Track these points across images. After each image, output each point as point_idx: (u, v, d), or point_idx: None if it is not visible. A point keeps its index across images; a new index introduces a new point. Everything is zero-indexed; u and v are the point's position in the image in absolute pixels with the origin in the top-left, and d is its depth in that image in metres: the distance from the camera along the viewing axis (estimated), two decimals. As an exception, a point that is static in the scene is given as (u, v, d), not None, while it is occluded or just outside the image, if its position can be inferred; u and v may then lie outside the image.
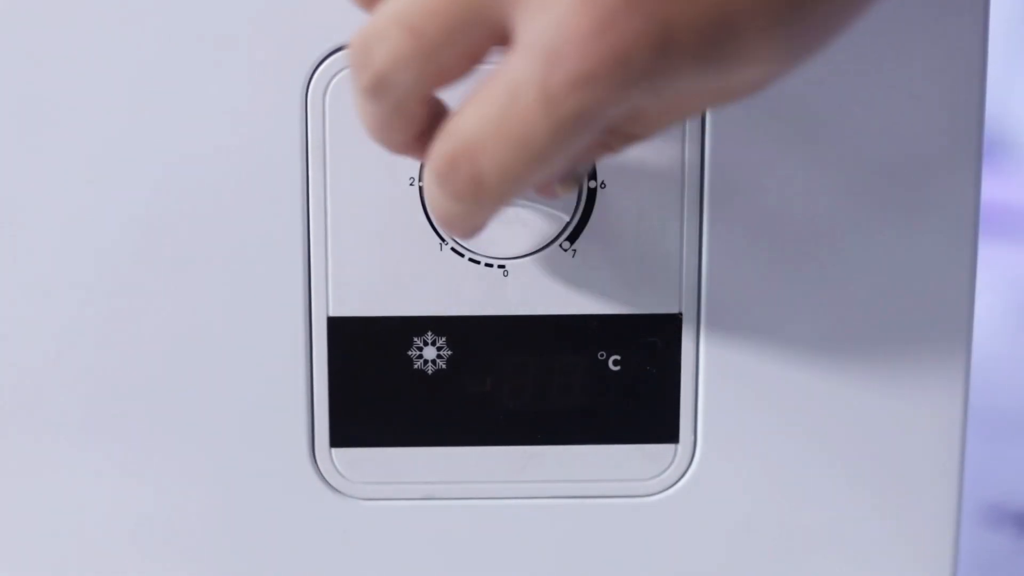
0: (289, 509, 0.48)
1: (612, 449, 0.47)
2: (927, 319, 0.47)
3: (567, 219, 0.45)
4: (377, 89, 0.36)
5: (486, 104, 0.34)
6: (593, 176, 0.45)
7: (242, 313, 0.46)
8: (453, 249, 0.46)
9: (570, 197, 0.44)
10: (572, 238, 0.46)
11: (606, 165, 0.45)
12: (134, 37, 0.44)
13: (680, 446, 0.48)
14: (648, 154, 0.45)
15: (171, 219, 0.45)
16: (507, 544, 0.48)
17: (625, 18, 0.32)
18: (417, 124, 0.38)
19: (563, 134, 0.34)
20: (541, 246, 0.46)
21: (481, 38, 0.35)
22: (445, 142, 0.35)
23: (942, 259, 0.46)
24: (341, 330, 0.46)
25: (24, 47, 0.44)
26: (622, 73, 0.33)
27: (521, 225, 0.45)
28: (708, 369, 0.47)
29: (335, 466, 0.47)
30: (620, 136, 0.39)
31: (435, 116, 0.38)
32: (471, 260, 0.46)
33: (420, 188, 0.45)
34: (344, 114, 0.45)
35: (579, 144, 0.34)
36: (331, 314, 0.46)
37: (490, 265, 0.46)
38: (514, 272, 0.46)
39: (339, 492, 0.48)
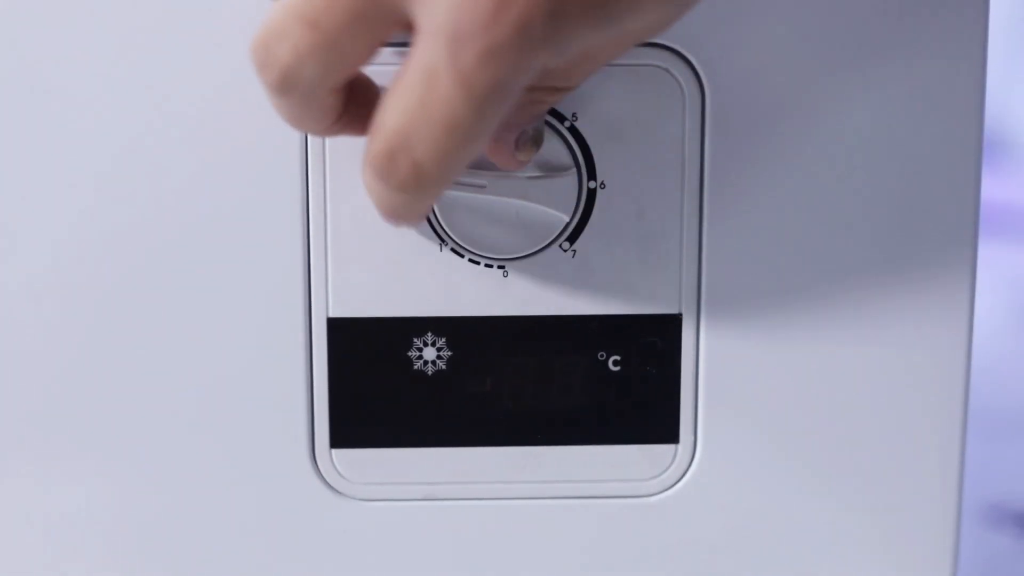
0: (289, 510, 0.48)
1: (612, 449, 0.47)
2: (927, 319, 0.47)
3: (567, 219, 0.45)
4: (284, 85, 0.37)
5: (406, 95, 0.35)
6: (593, 176, 0.45)
7: (242, 314, 0.46)
8: (453, 250, 0.46)
9: (528, 159, 0.44)
10: (572, 238, 0.46)
11: (606, 165, 0.45)
12: (134, 38, 0.44)
13: (680, 446, 0.48)
14: (648, 154, 0.45)
15: (171, 220, 0.45)
16: (507, 544, 0.48)
17: None
18: (332, 111, 0.39)
19: (484, 107, 0.35)
20: (541, 246, 0.46)
21: (381, 26, 0.36)
22: (377, 140, 0.36)
23: (942, 259, 0.46)
24: (341, 331, 0.46)
25: (24, 47, 0.44)
26: (524, 41, 0.34)
27: (521, 226, 0.45)
28: (708, 369, 0.47)
29: (335, 467, 0.47)
30: (548, 91, 0.41)
31: (355, 93, 0.40)
32: (471, 261, 0.46)
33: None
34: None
35: (502, 112, 0.36)
36: (331, 315, 0.46)
37: (490, 266, 0.46)
38: (514, 273, 0.46)
39: (339, 493, 0.48)
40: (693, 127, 0.45)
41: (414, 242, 0.46)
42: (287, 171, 0.45)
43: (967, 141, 0.46)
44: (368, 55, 0.37)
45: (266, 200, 0.45)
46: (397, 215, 0.39)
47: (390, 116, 0.36)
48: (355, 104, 0.40)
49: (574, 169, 0.45)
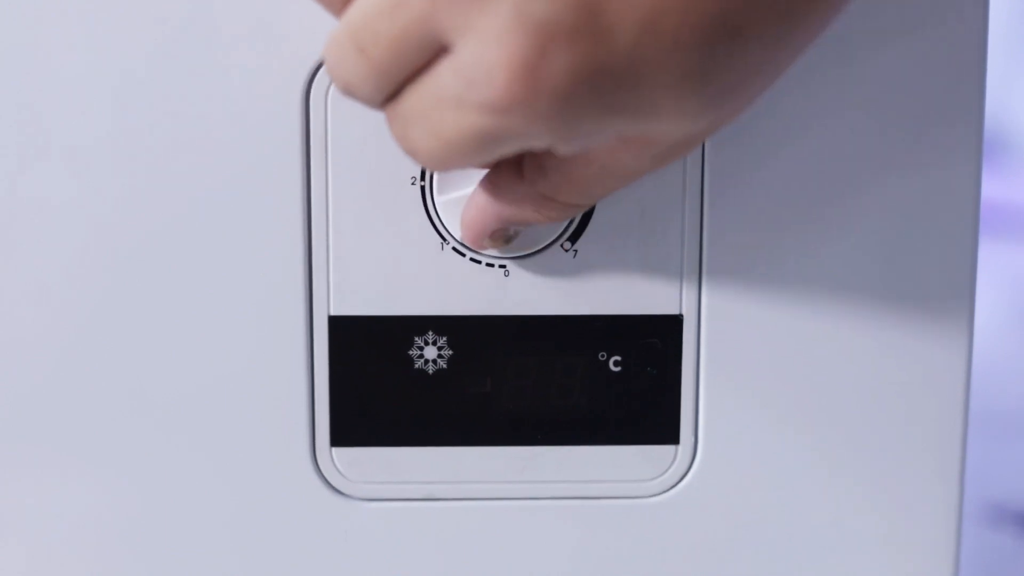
0: (290, 509, 0.48)
1: (613, 450, 0.47)
2: (927, 319, 0.47)
3: (566, 221, 0.45)
4: (348, 95, 0.38)
5: (421, 100, 0.36)
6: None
7: (243, 313, 0.46)
8: (454, 249, 0.46)
9: (490, 248, 0.45)
10: (573, 238, 0.46)
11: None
12: (135, 38, 0.44)
13: (681, 447, 0.48)
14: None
15: (173, 219, 0.45)
16: (508, 544, 0.48)
17: (535, 62, 0.33)
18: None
19: (469, 145, 0.36)
20: (542, 246, 0.46)
21: (426, 54, 0.36)
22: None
23: (942, 259, 0.46)
24: (342, 329, 0.46)
25: (24, 48, 0.44)
26: (527, 110, 0.34)
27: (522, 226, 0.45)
28: (708, 370, 0.47)
29: (336, 466, 0.47)
30: (556, 205, 0.41)
31: None
32: (472, 260, 0.46)
33: (422, 188, 0.45)
34: (345, 114, 0.45)
35: (471, 162, 0.37)
36: (332, 313, 0.46)
37: (491, 265, 0.46)
38: (515, 272, 0.46)
39: (340, 492, 0.48)
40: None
41: (415, 241, 0.46)
42: (288, 170, 0.45)
43: (967, 141, 0.46)
44: (414, 73, 0.37)
45: (267, 199, 0.45)
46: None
47: (399, 105, 0.37)
48: None
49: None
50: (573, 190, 0.40)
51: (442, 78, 0.35)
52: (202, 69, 0.44)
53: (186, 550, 0.48)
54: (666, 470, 0.48)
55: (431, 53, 0.36)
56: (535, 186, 0.40)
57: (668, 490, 0.48)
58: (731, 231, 0.46)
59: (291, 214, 0.46)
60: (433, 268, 0.46)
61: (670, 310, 0.47)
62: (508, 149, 0.36)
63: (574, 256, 0.46)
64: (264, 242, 0.46)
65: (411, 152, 0.38)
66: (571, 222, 0.45)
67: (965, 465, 0.48)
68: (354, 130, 0.45)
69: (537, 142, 0.36)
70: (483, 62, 0.34)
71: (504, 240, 0.44)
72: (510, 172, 0.41)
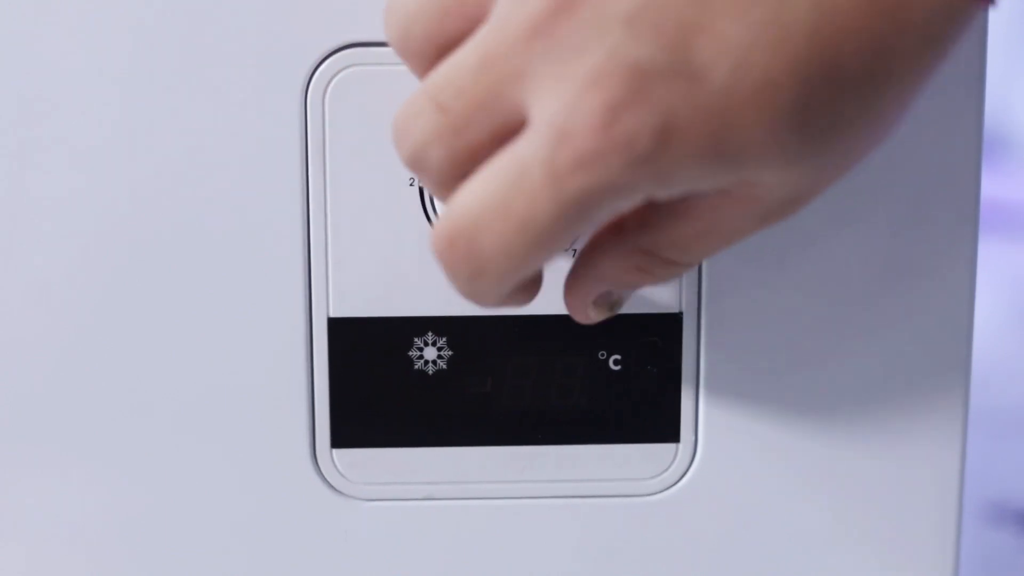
0: (290, 510, 0.48)
1: (613, 449, 0.47)
2: (927, 319, 0.47)
3: None
4: (414, 163, 0.37)
5: (490, 182, 0.35)
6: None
7: (243, 314, 0.46)
8: (453, 249, 0.46)
9: (597, 320, 0.43)
10: (572, 238, 0.46)
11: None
12: (134, 37, 0.44)
13: (681, 446, 0.48)
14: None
15: (171, 220, 0.45)
16: (508, 544, 0.48)
17: (631, 105, 0.33)
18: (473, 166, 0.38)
19: (567, 214, 0.34)
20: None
21: (503, 117, 0.35)
22: (445, 220, 0.36)
23: (942, 259, 0.46)
24: (342, 331, 0.46)
25: (23, 47, 0.44)
26: (628, 155, 0.33)
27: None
28: (709, 368, 0.47)
29: (336, 467, 0.47)
30: (661, 262, 0.39)
31: None
32: (471, 260, 0.46)
33: (420, 188, 0.45)
34: (344, 114, 0.45)
35: (583, 227, 0.35)
36: (331, 315, 0.46)
37: (490, 265, 0.46)
38: (514, 272, 0.46)
39: (340, 493, 0.48)
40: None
41: (414, 242, 0.46)
42: (287, 171, 0.45)
43: (967, 141, 0.46)
44: (490, 150, 0.36)
45: (266, 200, 0.45)
46: (463, 292, 0.38)
47: (465, 198, 0.35)
48: None
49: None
50: (676, 247, 0.39)
51: (526, 146, 0.34)
52: (200, 69, 0.44)
53: (187, 551, 0.48)
54: (666, 468, 0.48)
55: (506, 116, 0.35)
56: (637, 242, 0.39)
57: (668, 488, 0.48)
58: (730, 230, 0.46)
59: (290, 215, 0.46)
60: (432, 269, 0.46)
61: (670, 308, 0.47)
62: (603, 213, 0.35)
63: (573, 255, 0.46)
64: (263, 244, 0.46)
65: (473, 259, 0.36)
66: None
67: (965, 464, 0.48)
68: (353, 130, 0.45)
69: (634, 195, 0.35)
70: (577, 108, 0.33)
71: (608, 307, 0.42)
72: (610, 231, 0.40)
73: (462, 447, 0.47)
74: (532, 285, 0.40)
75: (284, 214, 0.46)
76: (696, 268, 0.46)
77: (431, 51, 0.37)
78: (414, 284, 0.46)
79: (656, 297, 0.46)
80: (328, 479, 0.47)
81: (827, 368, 0.47)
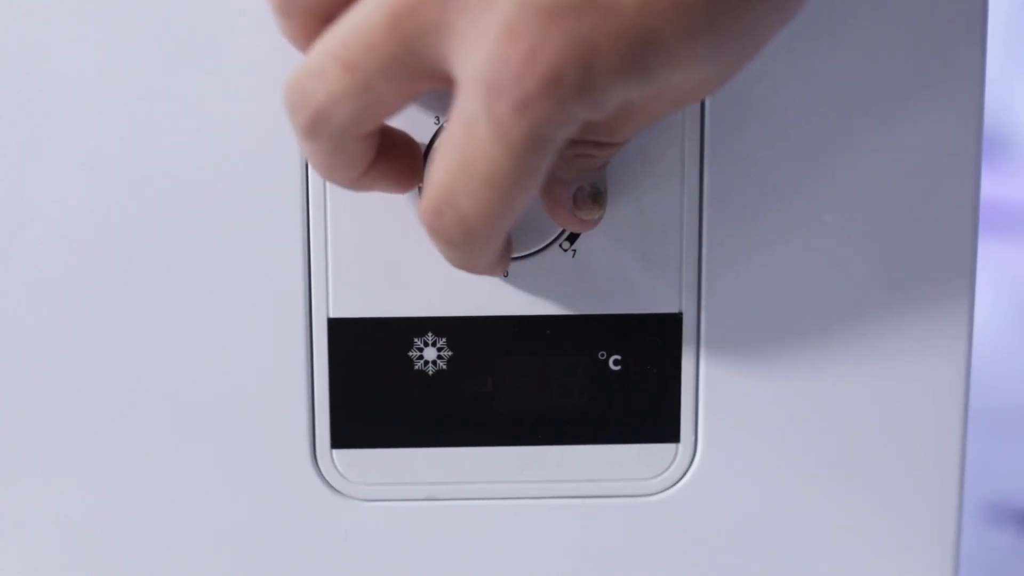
0: (290, 511, 0.48)
1: (613, 449, 0.47)
2: (927, 318, 0.47)
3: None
4: (315, 127, 0.38)
5: (449, 149, 0.36)
6: (593, 176, 0.45)
7: (242, 315, 0.46)
8: (453, 250, 0.46)
9: (595, 220, 0.44)
10: (572, 238, 0.46)
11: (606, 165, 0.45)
12: (134, 39, 0.44)
13: (681, 446, 0.48)
14: (648, 154, 0.45)
15: (171, 220, 0.45)
16: (508, 545, 0.48)
17: (548, 42, 0.34)
18: (362, 160, 0.39)
19: (523, 159, 0.35)
20: (541, 246, 0.46)
21: (416, 74, 0.36)
22: (426, 198, 0.37)
23: (942, 258, 0.46)
24: (341, 331, 0.46)
25: (25, 48, 0.44)
26: (557, 92, 0.34)
27: (521, 226, 0.45)
28: (709, 369, 0.47)
29: (336, 467, 0.47)
30: (592, 145, 0.41)
31: (388, 147, 0.40)
32: (471, 261, 0.46)
33: (419, 188, 0.45)
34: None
35: (543, 164, 0.36)
36: (331, 315, 0.46)
37: (490, 265, 0.46)
38: (514, 272, 0.46)
39: (340, 493, 0.48)
40: (692, 127, 0.45)
41: (414, 242, 0.46)
42: (287, 171, 0.45)
43: (967, 141, 0.46)
44: (401, 104, 0.37)
45: (266, 200, 0.45)
46: (465, 268, 0.40)
47: (436, 171, 0.36)
48: (386, 158, 0.41)
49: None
50: (602, 134, 0.40)
51: (465, 105, 0.35)
52: (200, 69, 0.44)
53: (187, 552, 0.48)
54: (666, 469, 0.48)
55: (420, 73, 0.36)
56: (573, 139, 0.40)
57: (668, 489, 0.48)
58: (730, 229, 0.46)
59: (290, 215, 0.46)
60: (432, 269, 0.46)
61: (670, 309, 0.47)
62: (555, 144, 0.36)
63: (573, 256, 0.46)
64: (263, 244, 0.46)
65: (460, 224, 0.37)
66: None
67: (965, 464, 0.48)
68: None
69: (576, 122, 0.36)
70: (500, 59, 0.34)
71: (591, 200, 0.43)
72: None
73: (462, 447, 0.47)
74: (506, 249, 0.43)
75: (284, 214, 0.46)
76: (696, 267, 0.46)
77: (321, 10, 0.38)
78: (414, 284, 0.46)
79: (656, 297, 0.46)
80: (328, 479, 0.47)
81: (827, 368, 0.47)
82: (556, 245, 0.46)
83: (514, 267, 0.46)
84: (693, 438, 0.48)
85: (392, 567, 0.48)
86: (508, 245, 0.44)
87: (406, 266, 0.46)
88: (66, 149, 0.45)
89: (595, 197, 0.43)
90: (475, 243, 0.37)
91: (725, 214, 0.46)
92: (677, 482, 0.48)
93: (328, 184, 0.45)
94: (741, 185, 0.46)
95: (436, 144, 0.37)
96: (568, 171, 0.42)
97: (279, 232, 0.46)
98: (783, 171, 0.46)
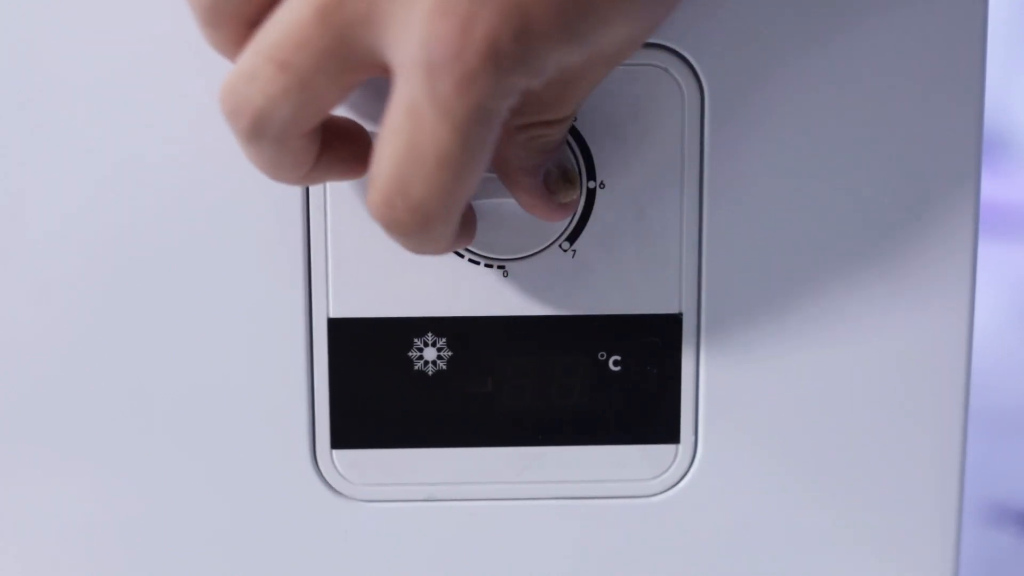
0: (290, 511, 0.48)
1: (613, 449, 0.47)
2: (927, 319, 0.47)
3: (567, 219, 0.45)
4: (255, 130, 0.37)
5: (394, 138, 0.36)
6: (593, 176, 0.45)
7: (243, 315, 0.46)
8: (453, 250, 0.46)
9: (573, 201, 0.44)
10: (572, 238, 0.46)
11: (606, 165, 0.45)
12: (133, 38, 0.44)
13: (681, 446, 0.48)
14: (648, 154, 0.46)
15: (170, 221, 0.45)
16: (508, 545, 0.48)
17: (480, 15, 0.34)
18: (307, 157, 0.39)
19: (470, 135, 0.35)
20: (541, 247, 0.46)
21: (353, 66, 0.36)
22: (373, 190, 0.36)
23: (942, 259, 0.46)
24: (341, 331, 0.46)
25: (25, 48, 0.44)
26: (496, 63, 0.34)
27: (521, 226, 0.45)
28: (709, 369, 0.47)
29: (336, 468, 0.47)
30: (542, 125, 0.41)
31: (331, 137, 0.40)
32: (471, 261, 0.46)
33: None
34: (343, 114, 0.45)
35: (490, 139, 0.36)
36: (331, 315, 0.46)
37: (490, 266, 0.46)
38: (514, 273, 0.46)
39: (340, 494, 0.48)
40: (692, 127, 0.45)
41: (414, 242, 0.46)
42: (287, 172, 0.45)
43: (967, 141, 0.46)
44: (340, 97, 0.37)
45: (266, 200, 0.45)
46: (419, 251, 0.39)
47: (382, 163, 0.36)
48: (332, 148, 0.40)
49: (574, 169, 0.45)
50: (546, 110, 0.40)
51: (404, 91, 0.35)
52: (201, 69, 0.44)
53: (187, 552, 0.48)
54: (666, 469, 0.48)
55: (355, 64, 0.36)
56: (515, 123, 0.40)
57: (668, 489, 0.48)
58: (730, 229, 0.46)
59: (290, 216, 0.46)
60: (432, 269, 0.46)
61: (670, 309, 0.47)
62: (499, 116, 0.36)
63: (573, 256, 0.46)
64: (263, 245, 0.46)
65: (414, 211, 0.36)
66: (569, 222, 0.45)
67: (965, 465, 0.48)
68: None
69: (517, 91, 0.36)
70: (433, 38, 0.34)
71: (561, 180, 0.43)
72: None
73: (462, 448, 0.47)
74: (468, 221, 0.42)
75: (284, 214, 0.46)
76: (696, 267, 0.46)
77: (247, 16, 0.37)
78: (414, 284, 0.46)
79: (656, 298, 0.46)
80: (328, 480, 0.47)
81: (827, 368, 0.47)
82: (556, 245, 0.46)
83: (514, 267, 0.46)
84: (693, 439, 0.48)
85: (392, 567, 0.48)
86: (469, 218, 0.43)
87: (406, 266, 0.46)
88: (66, 150, 0.45)
89: (565, 175, 0.43)
90: (432, 228, 0.37)
91: (725, 214, 0.46)
92: (677, 483, 0.48)
93: (328, 184, 0.45)
94: (741, 185, 0.46)
95: (378, 135, 0.36)
96: (529, 156, 0.42)
97: (279, 232, 0.46)
98: (783, 171, 0.46)
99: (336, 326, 0.46)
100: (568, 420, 0.47)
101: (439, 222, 0.37)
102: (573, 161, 0.44)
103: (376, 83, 0.39)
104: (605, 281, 0.46)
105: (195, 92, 0.45)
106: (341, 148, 0.41)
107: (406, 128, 0.35)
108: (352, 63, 0.36)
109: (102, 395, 0.46)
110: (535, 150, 0.42)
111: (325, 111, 0.37)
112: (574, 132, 0.45)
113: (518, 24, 0.34)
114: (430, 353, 0.47)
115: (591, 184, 0.45)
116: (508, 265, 0.46)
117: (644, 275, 0.46)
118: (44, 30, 0.44)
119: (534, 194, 0.43)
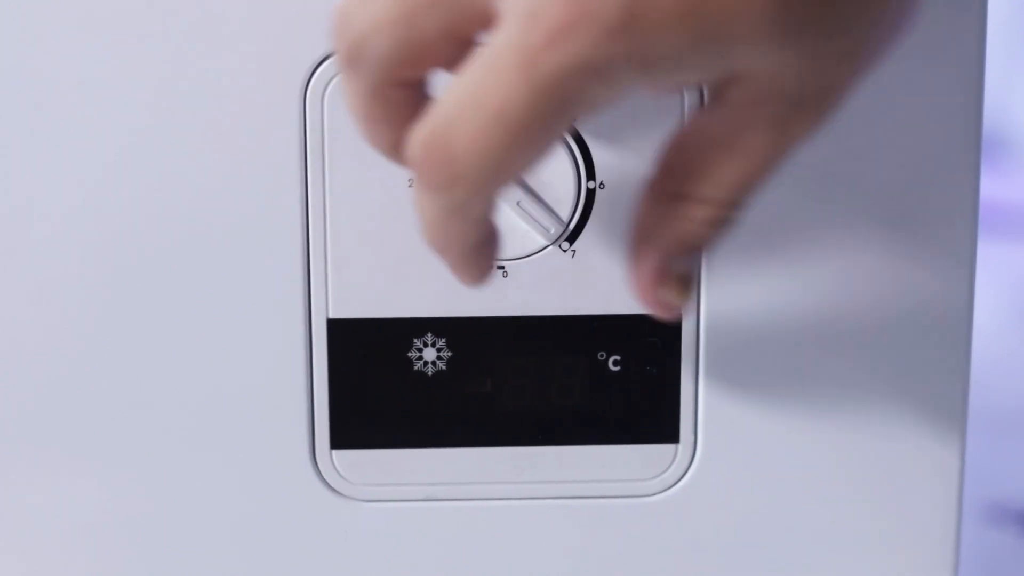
0: (290, 511, 0.48)
1: (612, 449, 0.47)
2: (927, 319, 0.47)
3: (566, 220, 0.45)
4: (354, 55, 0.36)
5: (465, 76, 0.34)
6: (592, 176, 0.45)
7: (242, 315, 0.46)
8: (453, 250, 0.46)
9: (674, 302, 0.39)
10: (571, 239, 0.46)
11: (605, 165, 0.45)
12: (132, 38, 0.44)
13: (680, 446, 0.48)
14: (648, 154, 0.45)
15: (170, 220, 0.45)
16: (508, 545, 0.48)
17: None
18: (398, 115, 0.37)
19: (541, 99, 0.33)
20: (541, 247, 0.46)
21: (464, 10, 0.34)
22: (421, 126, 0.34)
23: (942, 259, 0.46)
24: (341, 332, 0.46)
25: (24, 48, 0.44)
26: (596, 28, 0.32)
27: (520, 226, 0.45)
28: (708, 369, 0.47)
29: (336, 468, 0.47)
30: (694, 203, 0.37)
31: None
32: (471, 261, 0.46)
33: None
34: (343, 115, 0.45)
35: (558, 121, 0.33)
36: (331, 316, 0.46)
37: (490, 266, 0.46)
38: (513, 273, 0.46)
39: (340, 494, 0.48)
40: (692, 127, 0.45)
41: (414, 242, 0.46)
42: (286, 171, 0.45)
43: (967, 141, 0.46)
44: (440, 46, 0.35)
45: (265, 201, 0.45)
46: (431, 228, 0.37)
47: (441, 103, 0.34)
48: None
49: (573, 169, 0.45)
50: (704, 179, 0.36)
51: (498, 35, 0.33)
52: (200, 70, 0.44)
53: (187, 552, 0.48)
54: (666, 469, 0.48)
55: (465, 10, 0.34)
56: (664, 185, 0.37)
57: (668, 489, 0.48)
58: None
59: (289, 216, 0.46)
60: (431, 270, 0.46)
61: (669, 309, 0.46)
62: (579, 103, 0.33)
63: (572, 256, 0.46)
64: (262, 245, 0.46)
65: (449, 163, 0.34)
66: (570, 222, 0.45)
67: (965, 465, 0.48)
68: (352, 131, 0.45)
69: (612, 80, 0.33)
70: None
71: (678, 282, 0.38)
72: (644, 189, 0.38)
73: (462, 448, 0.47)
74: (490, 242, 0.38)
75: (283, 215, 0.45)
76: (696, 269, 0.46)
77: None
78: (413, 285, 0.46)
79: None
80: (327, 480, 0.47)
81: (827, 368, 0.47)
82: (556, 245, 0.46)
83: (514, 267, 0.46)
84: (693, 438, 0.47)
85: (391, 567, 0.48)
86: (491, 245, 0.39)
87: (406, 266, 0.46)
88: (66, 150, 0.45)
89: (684, 280, 0.38)
90: (455, 192, 0.34)
91: (725, 214, 0.46)
92: (677, 483, 0.48)
93: (328, 184, 0.45)
94: (741, 185, 0.46)
95: (457, 71, 0.34)
96: (660, 229, 0.37)
97: (279, 232, 0.46)
98: (782, 171, 0.46)
99: (335, 326, 0.46)
100: (567, 420, 0.47)
101: (465, 188, 0.34)
102: (699, 274, 0.41)
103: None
104: (605, 281, 0.46)
105: (196, 92, 0.45)
106: None
107: (482, 69, 0.33)
108: (460, 6, 0.34)
109: (102, 395, 0.46)
110: (675, 231, 0.37)
111: (424, 59, 0.35)
112: (573, 132, 0.45)
113: (632, 2, 0.32)
114: (429, 353, 0.47)
115: (591, 184, 0.45)
116: (508, 265, 0.46)
117: (644, 275, 0.46)
118: (44, 30, 0.44)
119: (642, 272, 0.38)
